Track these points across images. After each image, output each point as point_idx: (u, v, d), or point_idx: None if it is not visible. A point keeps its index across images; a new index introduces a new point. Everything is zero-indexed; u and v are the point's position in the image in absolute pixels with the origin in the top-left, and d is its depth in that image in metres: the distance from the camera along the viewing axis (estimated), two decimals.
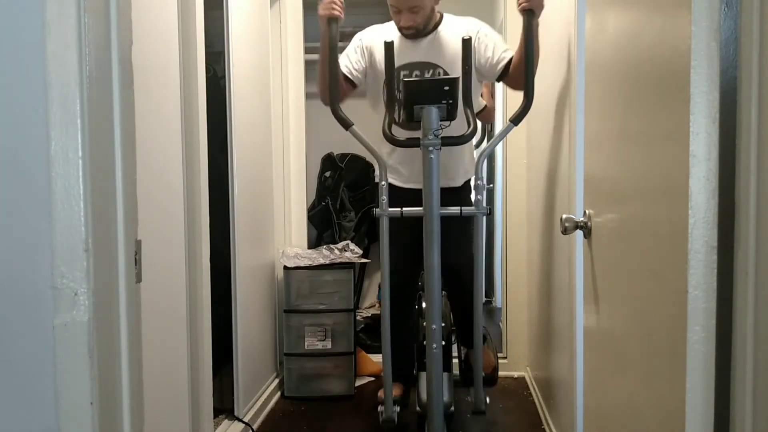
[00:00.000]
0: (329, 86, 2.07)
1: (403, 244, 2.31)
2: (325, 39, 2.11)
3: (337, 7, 2.08)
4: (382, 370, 2.14)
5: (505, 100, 3.40)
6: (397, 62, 2.33)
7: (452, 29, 2.39)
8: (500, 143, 3.46)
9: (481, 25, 2.42)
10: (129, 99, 1.08)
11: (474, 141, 3.54)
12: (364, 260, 3.45)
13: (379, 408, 2.16)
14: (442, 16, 2.43)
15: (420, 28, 2.35)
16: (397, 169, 2.43)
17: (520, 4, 2.09)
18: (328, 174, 4.15)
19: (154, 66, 1.88)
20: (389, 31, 2.44)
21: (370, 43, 2.43)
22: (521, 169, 3.35)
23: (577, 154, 2.01)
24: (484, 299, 2.13)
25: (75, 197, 0.96)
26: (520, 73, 2.13)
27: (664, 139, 1.02)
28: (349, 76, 2.40)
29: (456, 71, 2.25)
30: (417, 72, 2.38)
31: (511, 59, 2.32)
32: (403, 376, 2.51)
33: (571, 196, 2.11)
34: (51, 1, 0.95)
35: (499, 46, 2.37)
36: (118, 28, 1.04)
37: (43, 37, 0.95)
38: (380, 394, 2.30)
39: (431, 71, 2.36)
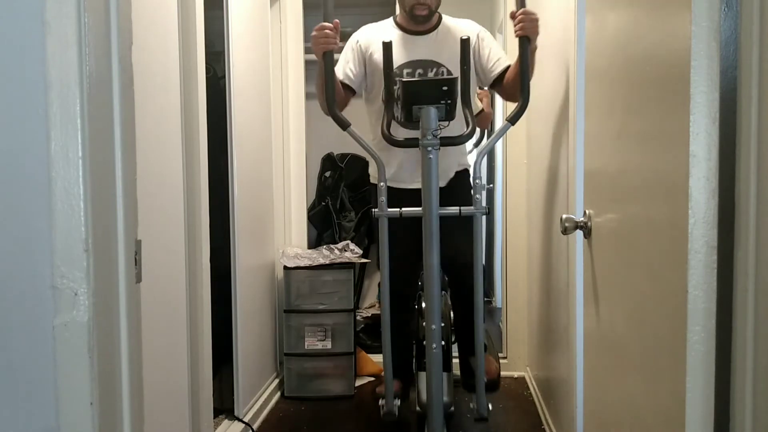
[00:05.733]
0: (326, 97, 2.05)
1: (403, 242, 2.30)
2: (323, 69, 2.08)
3: (331, 41, 2.05)
4: (382, 369, 2.14)
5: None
6: (400, 59, 2.33)
7: (452, 29, 2.40)
8: (500, 143, 3.48)
9: (480, 29, 2.45)
10: (129, 99, 1.08)
11: (474, 140, 3.57)
12: (364, 260, 3.45)
13: (380, 401, 2.16)
14: (441, 16, 2.43)
15: (432, 11, 2.35)
16: (396, 171, 2.42)
17: (515, 31, 2.11)
18: (328, 174, 4.15)
19: (154, 66, 1.88)
20: (386, 29, 2.44)
21: (367, 43, 2.42)
22: (521, 169, 3.35)
23: (577, 154, 2.01)
24: (484, 299, 2.10)
25: (75, 197, 0.96)
26: (513, 87, 2.21)
27: (664, 139, 1.02)
28: (349, 84, 2.39)
29: (458, 71, 2.25)
30: (420, 70, 2.37)
31: (505, 69, 2.35)
32: (401, 374, 2.51)
33: (571, 196, 2.11)
34: (51, 1, 0.95)
35: (495, 52, 2.41)
36: (118, 28, 1.04)
37: (43, 37, 0.95)
38: (378, 389, 2.35)
39: (435, 69, 2.35)
